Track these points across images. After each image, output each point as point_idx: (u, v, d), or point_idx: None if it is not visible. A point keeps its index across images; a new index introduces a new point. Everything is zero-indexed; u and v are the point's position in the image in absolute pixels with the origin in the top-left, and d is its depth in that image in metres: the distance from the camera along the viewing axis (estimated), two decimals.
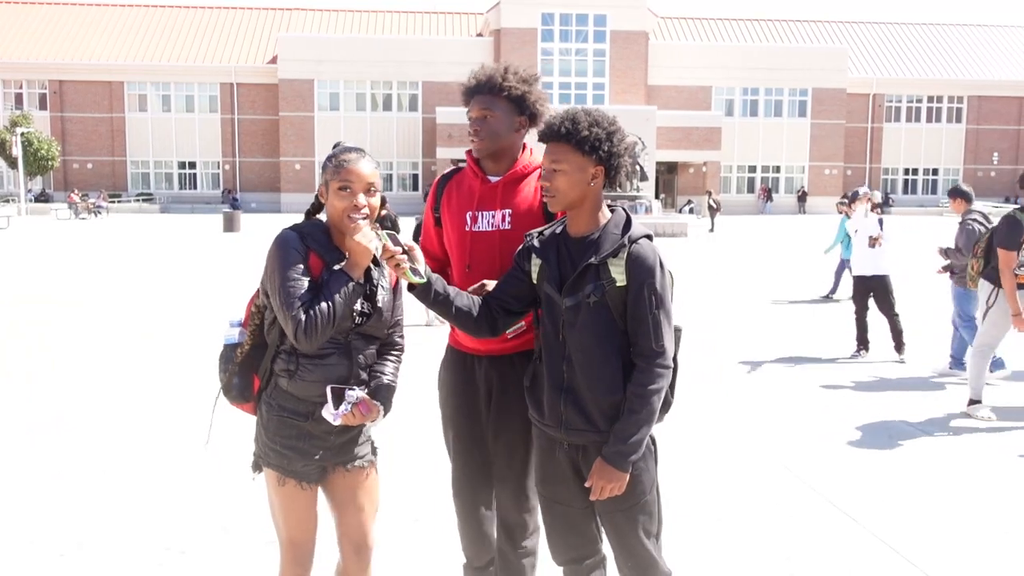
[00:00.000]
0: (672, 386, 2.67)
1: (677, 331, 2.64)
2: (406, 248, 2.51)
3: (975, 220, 7.56)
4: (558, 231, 2.66)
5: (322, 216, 2.70)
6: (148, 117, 52.33)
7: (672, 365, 2.55)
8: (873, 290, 8.71)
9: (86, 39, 52.69)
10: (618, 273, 2.50)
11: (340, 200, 2.54)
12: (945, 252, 7.89)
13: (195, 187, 53.38)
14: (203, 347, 9.09)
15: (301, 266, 2.53)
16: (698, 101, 51.89)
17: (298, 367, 2.58)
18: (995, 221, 6.69)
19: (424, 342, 7.87)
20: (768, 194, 52.81)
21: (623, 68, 50.72)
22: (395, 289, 2.75)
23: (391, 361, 2.77)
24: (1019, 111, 55.90)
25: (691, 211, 45.36)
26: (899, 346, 8.51)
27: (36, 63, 50.93)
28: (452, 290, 2.67)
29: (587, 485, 2.56)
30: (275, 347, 2.63)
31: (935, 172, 56.90)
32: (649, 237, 2.57)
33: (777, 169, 53.86)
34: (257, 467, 2.71)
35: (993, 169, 56.50)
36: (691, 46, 53.44)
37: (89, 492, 4.75)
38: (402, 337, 2.83)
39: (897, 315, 8.58)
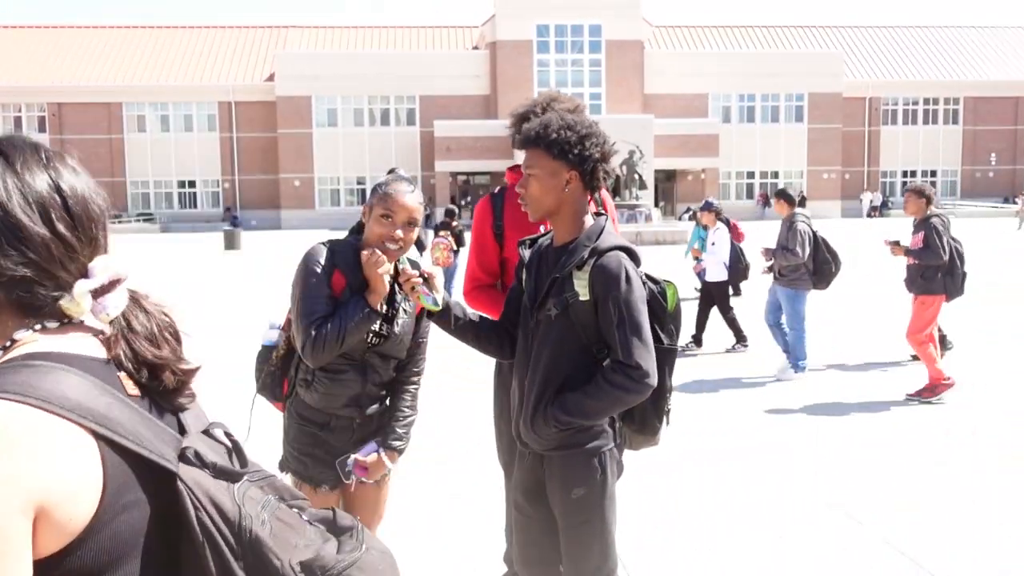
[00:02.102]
0: (660, 410, 2.60)
1: (670, 352, 2.56)
2: (425, 274, 2.53)
3: (803, 220, 7.82)
4: (547, 242, 2.63)
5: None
6: (147, 138, 52.46)
7: (650, 383, 2.40)
8: (714, 293, 9.78)
9: (83, 61, 52.87)
10: (581, 287, 2.43)
11: (380, 227, 2.60)
12: (770, 253, 8.19)
13: (195, 206, 53.47)
14: (215, 359, 9.10)
15: (322, 283, 2.59)
16: (695, 108, 51.98)
17: (314, 379, 2.67)
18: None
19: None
20: (765, 199, 52.89)
21: (619, 77, 50.82)
22: (421, 313, 2.77)
23: (409, 395, 2.81)
24: (1015, 111, 55.98)
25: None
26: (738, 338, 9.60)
27: (34, 86, 51.10)
28: (473, 316, 2.66)
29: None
30: (298, 356, 2.71)
31: (933, 174, 56.92)
32: (624, 249, 2.48)
33: (775, 174, 53.92)
34: (283, 468, 2.79)
35: (991, 170, 56.55)
36: (686, 54, 53.59)
37: None
38: (423, 360, 2.87)
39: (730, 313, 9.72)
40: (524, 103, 3.21)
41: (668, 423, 2.66)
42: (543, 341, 2.49)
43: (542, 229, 3.09)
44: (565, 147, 2.46)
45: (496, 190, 3.33)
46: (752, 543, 4.27)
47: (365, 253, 2.57)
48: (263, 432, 2.81)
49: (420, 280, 2.51)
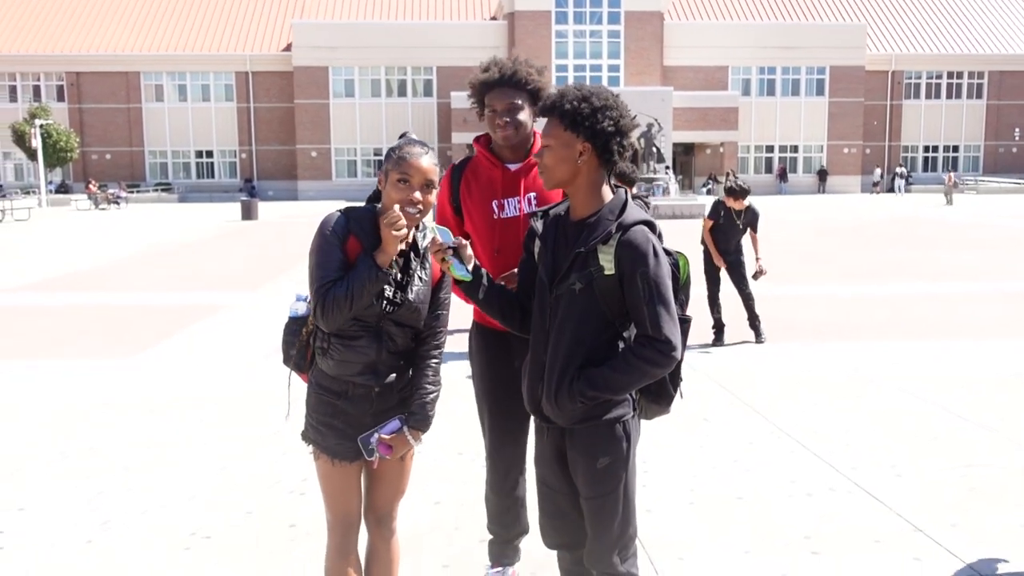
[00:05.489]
0: (677, 378, 2.61)
1: (687, 323, 2.54)
2: (456, 244, 2.53)
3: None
4: (562, 212, 2.60)
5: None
6: (165, 107, 52.56)
7: (677, 356, 2.42)
8: None
9: (102, 30, 52.90)
10: (607, 261, 2.41)
11: (397, 192, 2.58)
12: None
13: (212, 176, 53.63)
14: (230, 331, 9.17)
15: (335, 248, 2.60)
16: (715, 81, 51.48)
17: (329, 346, 2.66)
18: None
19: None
20: (783, 174, 52.49)
21: (638, 49, 50.34)
22: (439, 284, 2.74)
23: (430, 369, 2.75)
24: None
25: (708, 192, 45.09)
26: None
27: (53, 55, 51.21)
28: (497, 288, 2.65)
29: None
30: (316, 324, 2.71)
31: (955, 149, 56.25)
32: (647, 223, 2.47)
33: (795, 149, 53.45)
34: (305, 438, 2.78)
35: (1015, 145, 55.76)
36: (707, 25, 52.96)
37: (115, 477, 4.81)
38: (443, 332, 2.79)
39: None
40: (484, 73, 3.12)
41: (682, 394, 2.66)
42: (566, 316, 2.47)
43: (493, 205, 3.10)
44: (578, 118, 2.43)
45: (458, 161, 3.32)
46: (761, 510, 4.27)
47: (390, 213, 2.54)
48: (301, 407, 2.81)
49: (451, 251, 2.51)
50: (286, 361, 2.80)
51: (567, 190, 2.54)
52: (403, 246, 2.67)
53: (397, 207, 2.55)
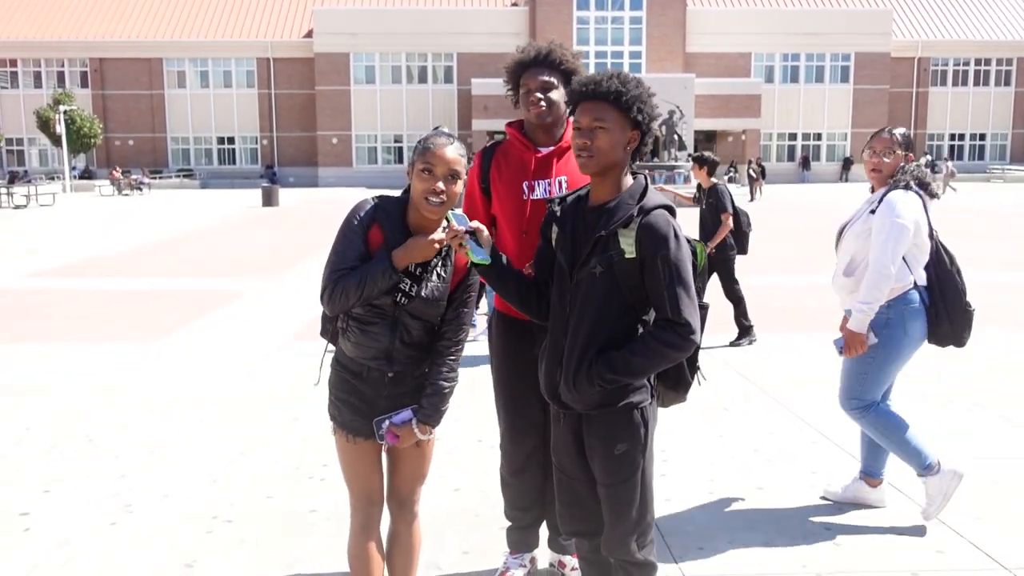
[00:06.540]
0: (694, 368, 2.59)
1: (704, 309, 2.53)
2: (472, 228, 2.54)
3: None
4: (580, 198, 2.60)
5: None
6: (187, 93, 52.83)
7: (696, 340, 2.41)
8: None
9: (125, 17, 53.18)
10: (628, 245, 2.41)
11: (421, 182, 2.59)
12: None
13: (234, 162, 53.90)
14: (252, 318, 9.23)
15: (357, 236, 2.63)
16: (737, 68, 51.03)
17: (348, 328, 2.70)
18: None
19: None
20: (805, 162, 52.00)
21: (660, 35, 49.98)
22: (462, 280, 2.74)
23: (446, 366, 2.73)
24: None
25: (730, 179, 44.76)
26: None
27: (76, 41, 51.56)
28: (515, 273, 2.65)
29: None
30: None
31: (982, 137, 55.49)
32: (668, 208, 2.46)
33: (818, 136, 52.94)
34: (329, 413, 2.82)
35: None
36: (730, 12, 52.47)
37: (136, 463, 4.86)
38: (464, 328, 2.78)
39: None
40: (520, 54, 3.14)
41: (700, 381, 2.64)
42: (586, 300, 2.47)
43: (524, 187, 3.11)
44: (643, 107, 2.45)
45: (489, 144, 3.32)
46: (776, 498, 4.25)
47: (438, 234, 2.56)
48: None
49: (467, 235, 2.52)
50: (323, 333, 2.85)
51: (598, 176, 2.51)
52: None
53: (446, 235, 2.56)
